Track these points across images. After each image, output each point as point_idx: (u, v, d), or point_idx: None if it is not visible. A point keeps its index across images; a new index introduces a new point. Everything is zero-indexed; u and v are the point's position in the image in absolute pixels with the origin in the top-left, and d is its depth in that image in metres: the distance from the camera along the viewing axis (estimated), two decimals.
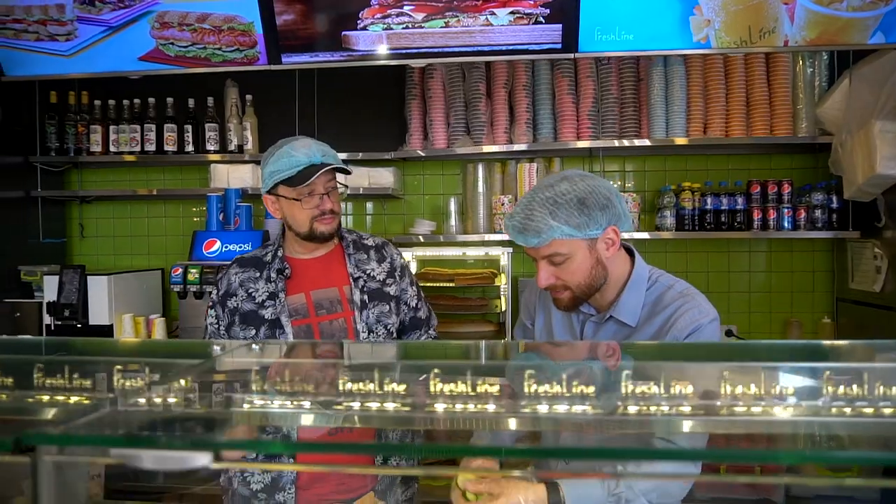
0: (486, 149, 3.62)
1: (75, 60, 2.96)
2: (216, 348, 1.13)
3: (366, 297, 1.99)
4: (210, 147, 3.79)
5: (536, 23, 2.63)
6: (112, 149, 3.79)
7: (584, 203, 1.46)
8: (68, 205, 4.17)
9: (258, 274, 2.00)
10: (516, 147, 3.61)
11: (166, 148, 3.76)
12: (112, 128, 3.80)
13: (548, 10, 2.63)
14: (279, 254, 2.01)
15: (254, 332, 1.94)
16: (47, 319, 3.57)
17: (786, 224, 3.47)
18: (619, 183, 3.90)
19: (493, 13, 2.61)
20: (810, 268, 3.76)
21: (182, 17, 2.83)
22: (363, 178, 3.71)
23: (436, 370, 0.92)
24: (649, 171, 3.88)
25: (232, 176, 3.74)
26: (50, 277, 3.57)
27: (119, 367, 0.90)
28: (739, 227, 3.53)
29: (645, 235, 3.60)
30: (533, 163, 3.70)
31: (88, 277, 3.53)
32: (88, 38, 2.90)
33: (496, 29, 2.66)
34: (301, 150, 1.90)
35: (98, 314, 3.55)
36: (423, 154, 3.72)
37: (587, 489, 1.35)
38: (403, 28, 2.71)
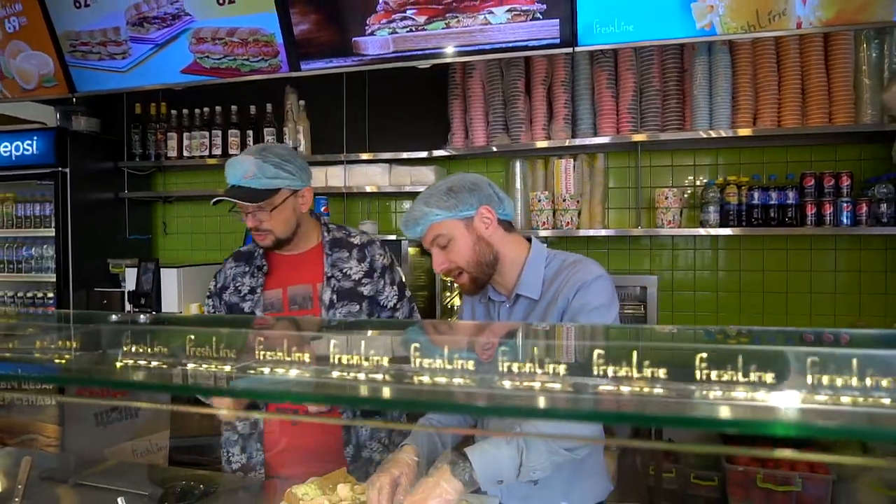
0: (539, 144, 3.62)
1: (130, 76, 3.33)
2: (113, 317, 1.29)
3: (335, 296, 2.01)
4: None
5: (534, 19, 2.62)
6: (185, 153, 4.18)
7: (452, 189, 1.66)
8: (154, 205, 4.64)
9: (246, 269, 2.11)
10: (567, 142, 3.58)
11: (231, 151, 4.09)
12: (185, 134, 4.19)
13: (544, 6, 2.60)
14: (260, 251, 2.11)
15: None
16: (128, 307, 4.00)
17: (844, 220, 3.20)
18: (668, 179, 3.75)
19: (491, 12, 2.63)
20: (882, 267, 3.44)
21: (214, 32, 3.10)
22: (405, 176, 3.84)
23: None
24: (699, 165, 3.70)
25: None
26: (131, 270, 4.00)
27: None
28: (791, 222, 3.30)
29: (686, 232, 3.45)
30: (572, 159, 3.65)
31: (161, 270, 3.92)
32: (140, 55, 3.26)
33: (495, 27, 2.68)
34: (231, 168, 1.97)
35: (169, 303, 3.94)
36: (457, 153, 3.77)
37: (495, 455, 1.45)
38: (408, 31, 2.80)
